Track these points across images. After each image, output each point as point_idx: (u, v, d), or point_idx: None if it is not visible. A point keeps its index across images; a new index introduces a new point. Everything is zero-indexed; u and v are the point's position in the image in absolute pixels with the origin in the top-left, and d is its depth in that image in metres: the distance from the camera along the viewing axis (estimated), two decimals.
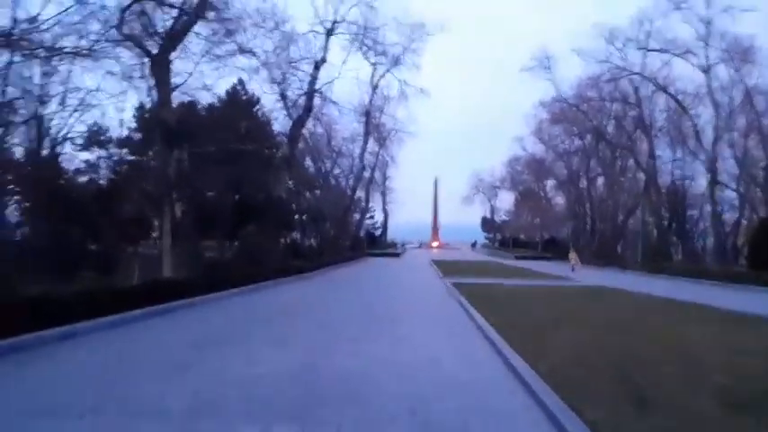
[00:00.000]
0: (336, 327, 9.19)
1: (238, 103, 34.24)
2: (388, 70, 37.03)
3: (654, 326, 9.42)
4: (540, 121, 54.24)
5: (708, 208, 49.79)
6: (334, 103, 24.44)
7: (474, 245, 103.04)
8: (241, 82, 33.08)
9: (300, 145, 41.22)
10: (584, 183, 57.87)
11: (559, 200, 68.93)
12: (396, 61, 36.03)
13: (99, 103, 20.48)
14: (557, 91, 45.05)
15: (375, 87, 37.96)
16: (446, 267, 30.03)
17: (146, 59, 17.06)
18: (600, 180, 55.18)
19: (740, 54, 35.84)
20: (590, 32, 41.70)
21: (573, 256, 32.51)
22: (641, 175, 50.41)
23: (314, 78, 22.24)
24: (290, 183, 43.49)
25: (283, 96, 25.43)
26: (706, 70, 36.08)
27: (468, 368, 6.02)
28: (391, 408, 4.42)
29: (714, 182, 36.56)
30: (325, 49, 24.02)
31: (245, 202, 23.76)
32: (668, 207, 42.98)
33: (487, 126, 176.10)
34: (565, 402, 4.34)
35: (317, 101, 24.95)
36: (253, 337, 7.93)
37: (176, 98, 20.44)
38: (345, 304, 12.93)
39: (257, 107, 34.21)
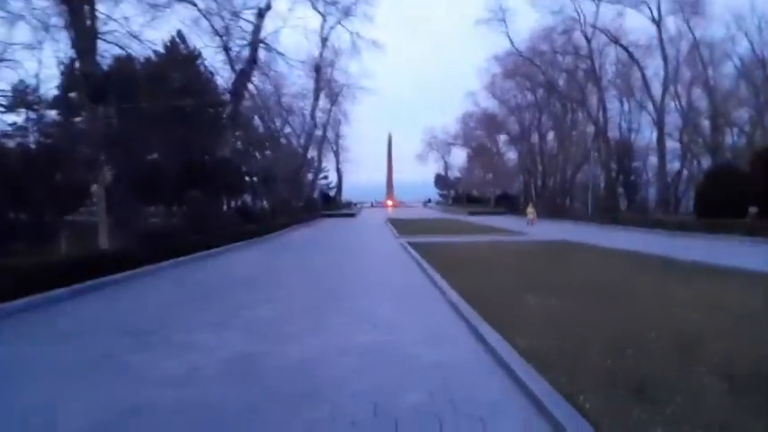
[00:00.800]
0: (287, 301, 8.25)
1: (177, 58, 31.99)
2: (338, 22, 35.21)
3: (639, 285, 9.06)
4: (494, 76, 53.77)
5: (653, 159, 51.60)
6: (281, 54, 22.68)
7: (427, 202, 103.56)
8: (180, 35, 30.79)
9: (248, 102, 39.30)
10: (535, 138, 58.41)
11: (512, 155, 69.58)
12: (347, 12, 34.25)
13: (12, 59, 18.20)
14: (511, 44, 44.41)
15: (325, 40, 36.11)
16: (402, 226, 29.56)
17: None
18: (551, 135, 55.80)
19: (690, 5, 36.09)
20: None
21: (531, 210, 32.72)
22: (590, 129, 51.27)
23: (258, 27, 20.44)
24: (239, 143, 41.85)
25: (226, 49, 23.54)
26: (657, 22, 36.18)
27: (438, 350, 5.28)
28: (356, 409, 3.66)
29: (662, 133, 37.34)
30: None
31: (189, 163, 22.21)
32: (616, 159, 43.96)
33: (442, 82, 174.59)
34: (566, 398, 3.62)
35: (262, 53, 23.14)
36: (187, 320, 6.92)
37: (108, 51, 18.34)
38: (297, 272, 11.98)
39: (199, 61, 32.08)
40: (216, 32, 23.28)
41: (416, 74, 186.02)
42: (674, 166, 51.05)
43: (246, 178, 46.55)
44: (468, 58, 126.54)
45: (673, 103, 41.99)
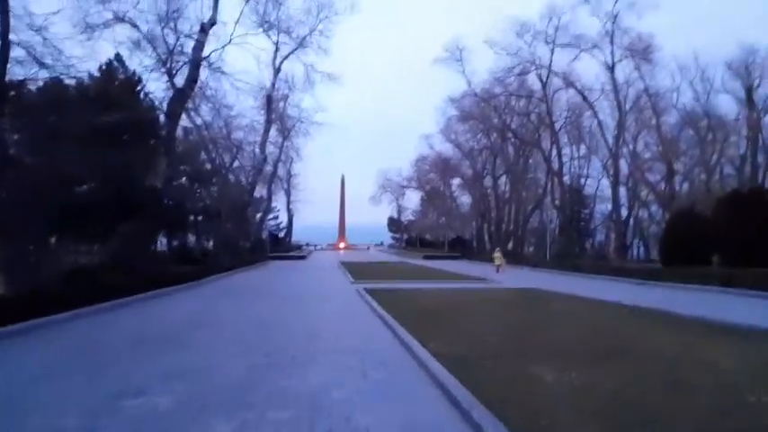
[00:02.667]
0: (205, 376, 5.84)
1: (114, 82, 29.46)
2: (292, 52, 33.66)
3: (661, 348, 7.33)
4: (449, 119, 53.68)
5: (600, 206, 52.24)
6: (226, 74, 20.34)
7: (379, 245, 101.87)
8: (118, 57, 28.40)
9: (193, 137, 36.83)
10: (489, 181, 58.31)
11: (465, 199, 69.34)
12: (301, 42, 32.81)
13: None
14: (468, 84, 44.30)
15: (278, 70, 34.37)
16: (357, 270, 27.39)
17: None
18: (504, 178, 55.75)
19: (640, 53, 36.99)
20: (502, 25, 41.31)
21: (498, 256, 30.49)
22: (541, 175, 51.64)
23: (200, 44, 18.29)
24: (184, 179, 38.95)
25: (170, 74, 21.31)
26: (611, 68, 36.79)
27: None
28: None
29: (616, 178, 37.38)
30: (215, 8, 19.90)
31: (117, 194, 19.45)
32: (570, 205, 43.93)
33: (397, 124, 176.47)
34: None
35: (205, 73, 20.73)
36: (55, 405, 4.65)
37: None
38: (231, 328, 9.44)
39: (139, 87, 29.59)
40: (159, 57, 20.91)
41: (372, 115, 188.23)
42: (621, 213, 51.98)
43: (191, 217, 43.52)
44: (426, 99, 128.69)
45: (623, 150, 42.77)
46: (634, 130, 44.03)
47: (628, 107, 40.90)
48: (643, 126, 44.34)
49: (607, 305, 12.51)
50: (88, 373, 5.96)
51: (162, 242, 40.74)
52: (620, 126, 37.56)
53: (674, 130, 44.18)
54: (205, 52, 18.28)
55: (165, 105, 18.70)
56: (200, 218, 43.90)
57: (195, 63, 17.55)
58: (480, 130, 52.69)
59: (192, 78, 17.57)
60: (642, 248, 52.71)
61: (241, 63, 43.16)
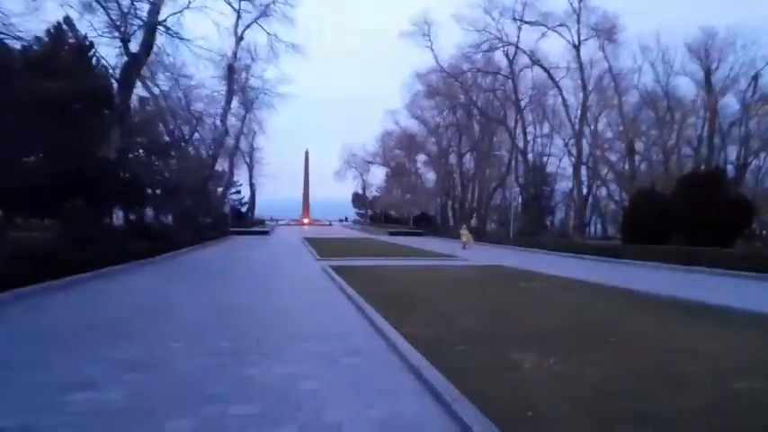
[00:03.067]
0: (163, 367, 5.40)
1: (64, 47, 27.67)
2: (255, 20, 32.17)
3: (642, 330, 7.26)
4: (415, 94, 53.09)
5: (566, 184, 53.14)
6: (183, 39, 18.96)
7: (344, 221, 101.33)
8: (68, 21, 26.59)
9: (150, 107, 35.05)
10: (454, 159, 58.34)
11: (430, 176, 69.33)
12: (264, 11, 31.36)
13: None
14: (435, 59, 43.69)
15: (240, 39, 32.82)
16: (321, 246, 26.92)
17: None
18: (469, 156, 55.85)
19: (605, 32, 37.21)
20: (470, 0, 40.71)
21: (465, 233, 30.42)
22: (505, 153, 51.99)
23: (156, 6, 16.98)
24: (140, 151, 37.18)
25: (124, 41, 19.88)
26: (576, 46, 36.87)
27: None
28: None
29: (579, 157, 37.87)
30: None
31: (64, 166, 18.26)
32: (533, 183, 44.43)
33: (364, 97, 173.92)
34: None
35: (162, 39, 19.31)
36: None
37: None
38: (188, 311, 8.79)
39: (92, 53, 27.84)
40: (112, 21, 19.43)
41: (338, 89, 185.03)
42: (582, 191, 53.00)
43: (149, 190, 41.73)
44: (392, 74, 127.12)
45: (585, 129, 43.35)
46: (596, 109, 44.72)
47: (591, 87, 41.48)
48: (605, 106, 45.07)
49: (576, 283, 12.57)
50: (27, 363, 5.41)
51: (118, 216, 39.12)
52: (584, 105, 37.88)
53: (635, 111, 45.11)
54: (162, 16, 17.05)
55: (118, 72, 17.39)
56: (158, 192, 42.24)
57: (151, 27, 16.35)
58: (446, 107, 52.39)
59: (148, 44, 16.39)
60: (600, 226, 54.22)
61: (201, 30, 41.13)
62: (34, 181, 19.88)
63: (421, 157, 68.88)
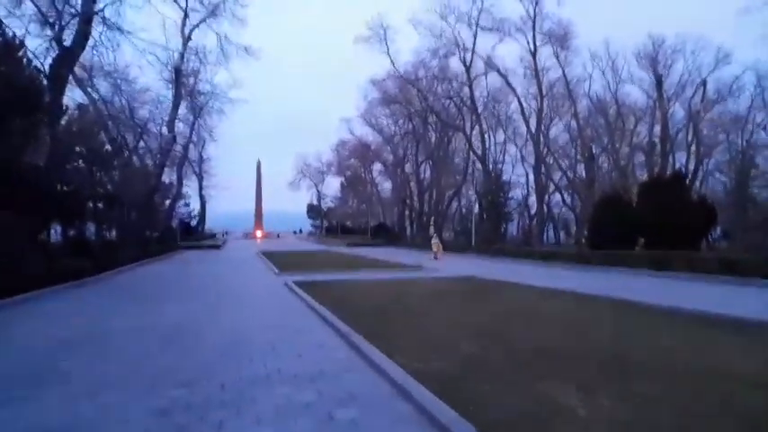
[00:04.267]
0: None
1: None
2: (203, 20, 30.36)
3: (668, 354, 6.36)
4: (370, 102, 52.27)
5: (520, 192, 53.61)
6: (123, 32, 16.95)
7: (298, 232, 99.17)
8: None
9: (90, 114, 32.48)
10: (410, 167, 57.85)
11: (387, 185, 68.61)
12: (213, 10, 29.63)
13: None
14: (392, 64, 43.02)
15: (188, 39, 30.87)
16: (280, 260, 25.33)
17: None
18: (426, 164, 55.42)
19: (558, 39, 37.63)
20: (427, 5, 40.36)
21: (436, 242, 28.94)
22: (460, 161, 51.94)
23: None
24: (80, 161, 34.34)
25: (59, 42, 17.82)
26: (533, 53, 37.05)
27: None
28: None
29: (539, 164, 37.94)
30: None
31: None
32: (492, 190, 44.31)
33: (318, 107, 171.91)
34: None
35: (98, 30, 17.12)
36: None
37: None
38: (128, 349, 7.11)
39: (21, 53, 25.34)
40: (42, 15, 17.33)
41: (290, 97, 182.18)
42: (533, 200, 53.62)
43: (90, 203, 38.73)
44: (347, 83, 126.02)
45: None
46: (547, 116, 45.17)
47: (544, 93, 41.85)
48: (557, 113, 45.75)
49: (564, 295, 11.75)
50: None
51: (57, 231, 36.07)
52: (541, 111, 38.09)
53: (585, 118, 45.93)
54: (99, 6, 15.27)
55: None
56: (100, 205, 39.33)
57: (86, 17, 14.59)
58: (403, 115, 51.90)
59: (83, 35, 14.59)
60: (552, 233, 54.95)
61: (145, 30, 38.51)
62: None
63: (377, 167, 68.21)
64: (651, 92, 41.66)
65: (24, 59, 25.36)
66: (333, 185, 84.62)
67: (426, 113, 47.89)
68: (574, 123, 43.80)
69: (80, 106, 33.87)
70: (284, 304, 11.06)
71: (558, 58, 39.47)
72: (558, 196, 52.36)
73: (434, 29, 39.22)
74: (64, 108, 30.75)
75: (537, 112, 39.12)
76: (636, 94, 45.01)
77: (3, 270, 12.07)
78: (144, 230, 33.58)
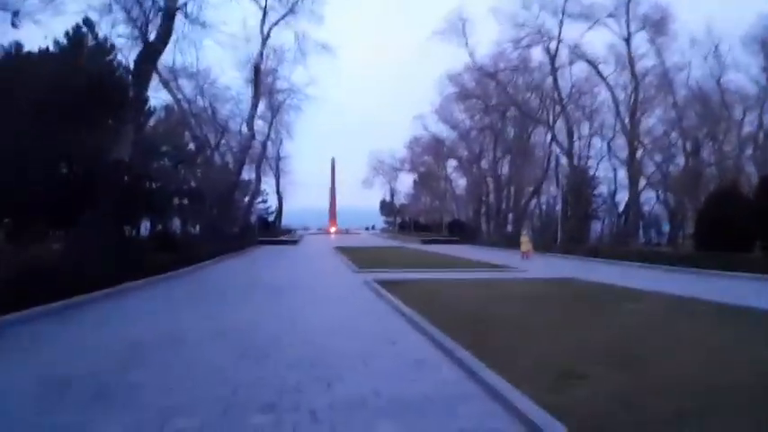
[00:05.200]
0: None
1: (83, 51, 26.44)
2: (282, 17, 30.36)
3: None
4: (446, 98, 50.67)
5: (607, 187, 49.95)
6: (204, 26, 16.79)
7: (370, 228, 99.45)
8: (88, 22, 25.29)
9: (176, 115, 33.62)
10: (486, 163, 55.71)
11: (461, 181, 66.77)
12: (292, 8, 29.54)
13: None
14: (471, 57, 41.26)
15: (266, 37, 31.01)
16: (356, 256, 24.68)
17: None
18: (505, 159, 53.03)
19: (654, 25, 34.34)
20: None
21: (525, 240, 26.68)
22: (540, 154, 49.07)
23: None
24: (165, 159, 35.76)
25: (146, 43, 18.07)
26: (626, 39, 34.03)
27: None
28: None
29: (633, 157, 34.87)
30: None
31: (74, 173, 16.59)
32: (578, 186, 41.39)
33: (393, 103, 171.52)
34: None
35: (180, 26, 17.09)
36: None
37: None
38: (199, 355, 6.46)
39: (111, 56, 26.45)
40: (128, 15, 17.51)
41: (364, 95, 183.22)
42: (621, 196, 49.64)
43: (176, 200, 40.33)
44: (420, 79, 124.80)
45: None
46: (640, 107, 41.34)
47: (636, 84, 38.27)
48: (649, 104, 41.82)
49: (691, 303, 10.01)
50: None
51: (146, 227, 37.86)
52: (635, 101, 34.86)
53: (682, 108, 41.74)
54: (181, 1, 15.17)
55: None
56: (185, 201, 40.84)
57: (169, 13, 14.49)
58: (479, 109, 49.92)
59: (166, 31, 14.50)
60: (641, 231, 50.69)
61: (227, 28, 39.30)
62: (50, 189, 18.32)
63: (451, 163, 66.53)
64: (761, 79, 37.17)
65: (114, 61, 26.54)
66: (406, 182, 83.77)
67: (505, 107, 45.72)
68: (670, 114, 40.01)
69: (166, 107, 35.26)
70: (368, 306, 10.15)
71: (653, 44, 36.02)
72: (647, 193, 48.28)
73: (516, 18, 37.10)
74: (151, 109, 32.39)
75: (631, 103, 35.80)
76: (742, 81, 40.35)
77: (85, 266, 12.11)
78: (224, 226, 34.25)
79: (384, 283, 12.74)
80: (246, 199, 46.17)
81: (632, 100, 35.39)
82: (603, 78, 36.04)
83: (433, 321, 7.53)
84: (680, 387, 4.59)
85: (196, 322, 8.30)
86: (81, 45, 26.24)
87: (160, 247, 22.93)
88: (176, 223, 44.21)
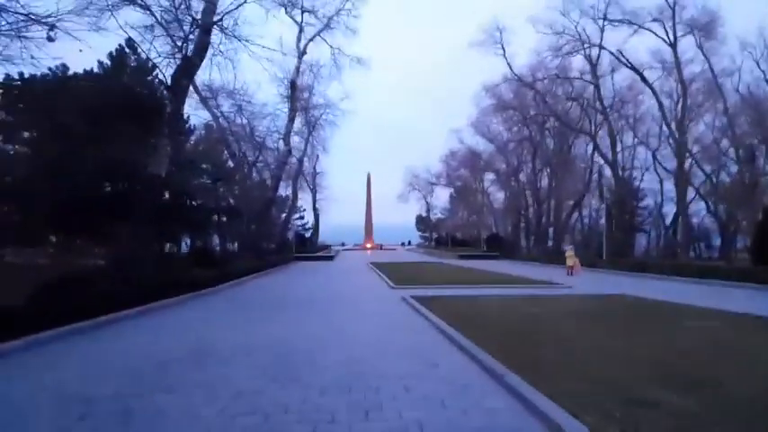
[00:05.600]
0: None
1: (126, 70, 27.21)
2: (318, 33, 30.62)
3: None
4: (482, 110, 49.98)
5: (653, 200, 47.81)
6: (240, 40, 16.72)
7: (406, 244, 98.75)
8: (130, 43, 26.02)
9: (215, 133, 34.14)
10: (524, 176, 54.50)
11: (499, 195, 65.53)
12: (328, 23, 29.74)
13: None
14: (509, 67, 40.63)
15: (302, 53, 31.32)
16: (392, 272, 24.18)
17: None
18: (544, 172, 51.66)
19: (703, 28, 32.87)
20: (546, 2, 37.63)
21: (570, 254, 25.60)
22: (581, 166, 47.47)
23: (212, 5, 15.13)
24: (205, 177, 36.33)
25: (186, 58, 18.33)
26: (672, 44, 32.71)
27: None
28: None
29: (681, 167, 33.25)
30: None
31: (111, 187, 16.76)
32: (623, 198, 39.71)
33: (428, 116, 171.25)
34: None
35: (216, 37, 17.16)
36: None
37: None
38: (232, 377, 6.04)
39: (152, 76, 27.12)
40: (168, 34, 17.75)
41: (400, 108, 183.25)
42: (668, 209, 47.35)
43: (215, 217, 40.85)
44: (455, 94, 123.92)
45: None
46: (687, 114, 39.40)
47: (680, 91, 36.49)
48: (699, 111, 39.88)
49: (749, 320, 9.09)
50: None
51: (187, 243, 38.40)
52: (684, 108, 33.34)
53: (732, 115, 39.58)
54: (219, 11, 15.27)
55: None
56: (224, 218, 41.33)
57: (206, 27, 14.58)
58: (517, 121, 49.01)
59: (203, 45, 14.59)
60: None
61: (263, 41, 39.99)
62: (93, 206, 18.63)
63: (488, 176, 65.52)
64: None
65: (155, 80, 27.17)
66: (442, 197, 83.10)
67: (544, 118, 44.72)
68: (719, 121, 38.11)
69: (206, 125, 35.91)
70: (406, 325, 9.57)
71: (701, 49, 34.52)
72: (696, 204, 45.98)
73: (555, 25, 36.38)
74: (192, 127, 33.05)
75: (679, 109, 34.26)
76: None
77: (123, 281, 12.05)
78: (262, 242, 34.39)
79: (422, 300, 12.21)
80: (283, 215, 46.47)
81: (680, 107, 33.80)
82: (649, 85, 34.69)
83: (478, 341, 6.95)
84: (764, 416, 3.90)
85: (229, 341, 7.96)
86: (123, 65, 27.05)
87: (199, 263, 23.09)
88: (215, 240, 44.78)
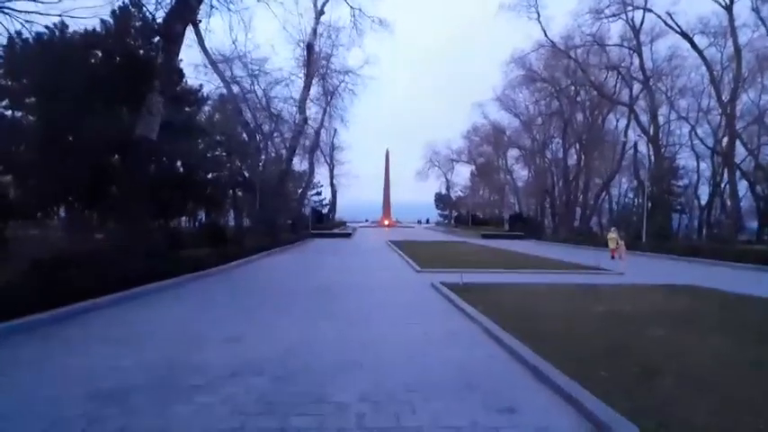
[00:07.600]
0: None
1: (128, 28, 25.21)
2: None
3: None
4: (509, 82, 47.08)
5: (692, 178, 44.80)
6: None
7: (424, 222, 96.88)
8: (135, 1, 24.05)
9: (230, 105, 32.16)
10: (551, 153, 51.76)
11: (523, 173, 62.78)
12: None
13: None
14: (543, 32, 37.74)
15: (320, 13, 28.96)
16: (415, 253, 22.14)
17: None
18: (571, 149, 48.69)
19: None
20: None
21: (613, 237, 23.22)
22: (612, 141, 44.50)
23: None
24: (219, 150, 34.47)
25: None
26: (728, 7, 29.48)
27: None
28: None
29: (732, 145, 30.35)
30: None
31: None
32: (661, 177, 36.84)
33: (450, 90, 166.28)
34: None
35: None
36: None
37: None
38: (233, 395, 4.49)
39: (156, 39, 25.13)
40: None
41: (422, 81, 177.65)
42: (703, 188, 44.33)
43: (230, 192, 39.16)
44: (479, 66, 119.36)
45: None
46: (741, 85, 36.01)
47: (726, 59, 33.11)
48: (749, 82, 36.42)
49: None
50: None
51: (201, 218, 36.93)
52: (738, 78, 30.19)
53: None
54: None
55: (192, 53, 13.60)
56: (239, 192, 39.63)
57: None
58: (546, 95, 46.08)
59: None
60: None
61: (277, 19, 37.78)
62: (95, 176, 16.91)
63: (512, 153, 62.78)
64: None
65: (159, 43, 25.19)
66: (463, 174, 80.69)
67: (576, 90, 41.76)
68: (765, 96, 34.86)
69: (221, 97, 33.92)
70: (445, 328, 7.24)
71: (758, 13, 31.19)
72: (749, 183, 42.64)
73: None
74: (204, 95, 31.10)
75: (733, 80, 31.03)
76: None
77: (120, 258, 10.28)
78: (276, 217, 32.62)
79: (457, 290, 10.20)
80: (300, 191, 44.67)
81: (734, 77, 30.65)
82: (700, 52, 31.46)
83: (562, 364, 4.93)
84: None
85: (218, 350, 6.06)
86: (127, 25, 25.11)
87: (209, 239, 21.37)
88: (231, 215, 43.29)
